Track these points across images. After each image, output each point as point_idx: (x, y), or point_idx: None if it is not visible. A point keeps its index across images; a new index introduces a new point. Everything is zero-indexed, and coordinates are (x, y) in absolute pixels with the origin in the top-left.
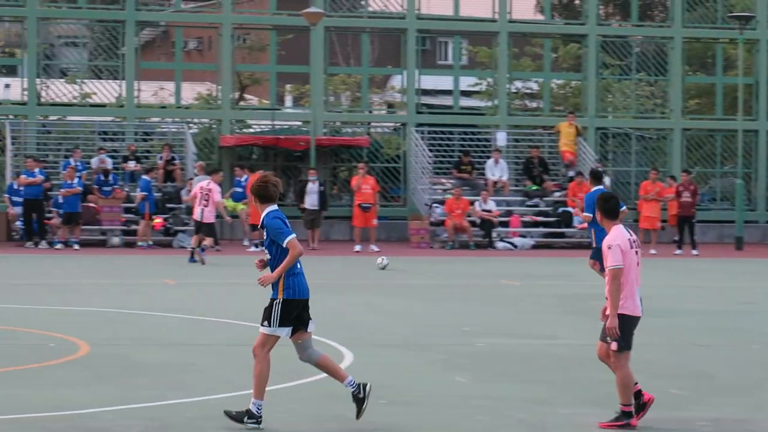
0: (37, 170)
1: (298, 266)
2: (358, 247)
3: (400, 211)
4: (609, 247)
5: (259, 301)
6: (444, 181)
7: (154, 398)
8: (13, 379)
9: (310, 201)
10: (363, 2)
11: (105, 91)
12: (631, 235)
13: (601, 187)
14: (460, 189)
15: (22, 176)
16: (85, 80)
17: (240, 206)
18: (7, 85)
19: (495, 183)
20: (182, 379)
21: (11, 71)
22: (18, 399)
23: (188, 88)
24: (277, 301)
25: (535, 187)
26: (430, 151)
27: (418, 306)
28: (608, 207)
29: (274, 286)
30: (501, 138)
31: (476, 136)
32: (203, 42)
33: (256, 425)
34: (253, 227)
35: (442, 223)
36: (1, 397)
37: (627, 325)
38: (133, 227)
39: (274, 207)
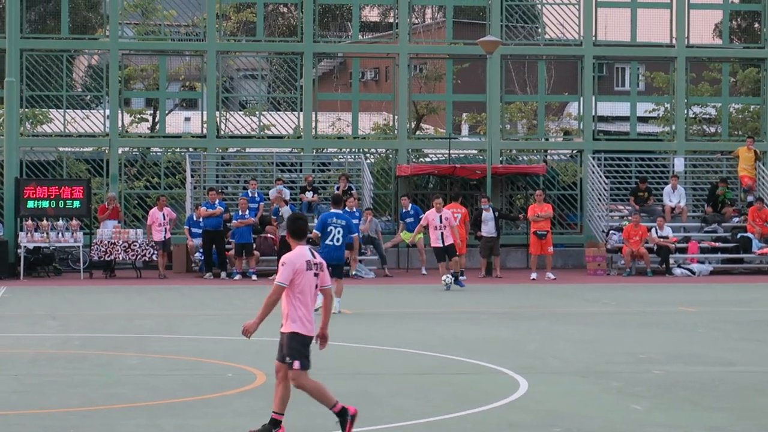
0: (217, 202)
1: None
2: (534, 275)
3: (577, 238)
4: (282, 264)
5: (435, 330)
6: (621, 207)
7: (326, 428)
8: (192, 409)
9: (487, 229)
10: (539, 30)
11: (283, 122)
12: (315, 258)
13: None
14: (639, 216)
15: (202, 208)
16: (264, 112)
17: (418, 236)
18: (187, 119)
19: (673, 209)
20: (358, 408)
21: (191, 105)
22: (197, 428)
23: (365, 118)
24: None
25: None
26: (607, 177)
27: (594, 333)
28: (295, 227)
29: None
30: (679, 164)
31: (653, 162)
32: (380, 72)
33: None
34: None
35: (619, 250)
36: (181, 427)
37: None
38: None
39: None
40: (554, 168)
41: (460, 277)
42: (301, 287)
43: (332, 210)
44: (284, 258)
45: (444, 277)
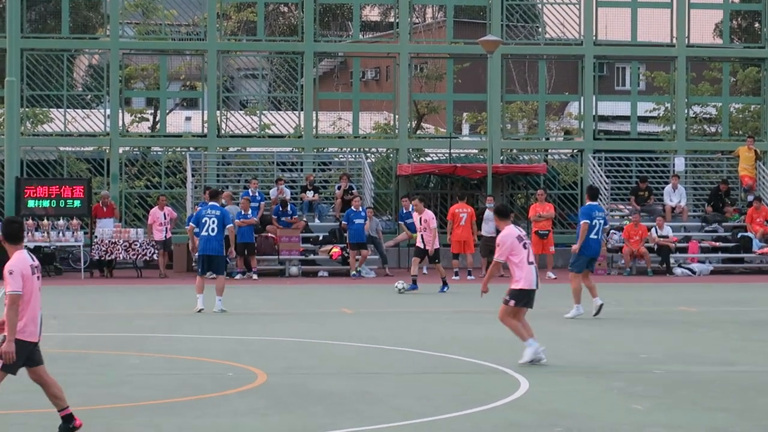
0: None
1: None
2: None
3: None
4: (10, 273)
5: (436, 330)
6: (621, 207)
7: (328, 427)
8: (193, 408)
9: (487, 228)
10: (540, 29)
11: (284, 122)
12: (34, 261)
13: (596, 203)
14: (639, 215)
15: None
16: (264, 112)
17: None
18: (188, 118)
19: (673, 209)
20: (358, 407)
21: (192, 104)
22: (197, 428)
23: (366, 117)
24: None
25: (737, 217)
26: (607, 177)
27: (595, 333)
28: (10, 231)
29: None
30: (679, 163)
31: (654, 162)
32: (380, 72)
33: None
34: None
35: (619, 250)
36: (182, 426)
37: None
38: (311, 257)
39: None
40: (555, 167)
41: (453, 279)
42: (28, 293)
43: (209, 203)
44: (9, 266)
45: (396, 284)
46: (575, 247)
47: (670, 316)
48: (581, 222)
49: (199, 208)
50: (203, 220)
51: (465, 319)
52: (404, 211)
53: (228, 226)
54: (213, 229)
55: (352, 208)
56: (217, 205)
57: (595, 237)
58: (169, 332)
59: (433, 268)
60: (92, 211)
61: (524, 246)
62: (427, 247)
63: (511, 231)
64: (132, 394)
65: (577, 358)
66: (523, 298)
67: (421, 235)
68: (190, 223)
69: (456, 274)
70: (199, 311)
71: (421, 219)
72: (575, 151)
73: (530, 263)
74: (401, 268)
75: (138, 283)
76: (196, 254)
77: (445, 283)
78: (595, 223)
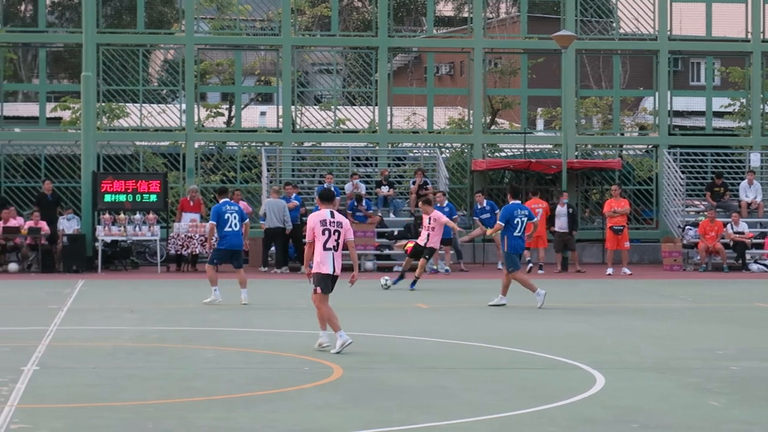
0: (293, 196)
1: None
2: (610, 270)
3: (653, 234)
4: None
5: (510, 325)
6: (697, 203)
7: (402, 422)
8: (269, 403)
9: (560, 224)
10: (614, 24)
11: (358, 117)
12: None
13: (518, 202)
14: (714, 211)
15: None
16: (339, 107)
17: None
18: (263, 113)
19: (749, 205)
20: (432, 402)
21: (267, 99)
22: (273, 422)
23: (440, 112)
24: None
25: None
26: (683, 172)
27: (670, 329)
28: None
29: None
30: (755, 159)
31: (729, 158)
32: (455, 67)
33: None
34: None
35: (695, 246)
36: (258, 420)
37: None
38: (386, 251)
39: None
40: (629, 163)
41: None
42: None
43: (222, 200)
44: None
45: (382, 279)
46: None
47: (745, 312)
48: (497, 223)
49: (214, 206)
50: (225, 217)
51: (539, 314)
52: (479, 207)
53: (245, 222)
54: (235, 224)
55: (436, 203)
56: (233, 201)
57: (519, 234)
58: (244, 326)
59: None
60: (179, 205)
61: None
62: (429, 244)
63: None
64: (208, 388)
65: (652, 354)
66: None
67: (428, 234)
68: (211, 221)
69: (529, 270)
70: (209, 302)
71: (430, 219)
72: (650, 146)
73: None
74: (476, 263)
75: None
76: (209, 248)
77: (401, 277)
78: (517, 222)
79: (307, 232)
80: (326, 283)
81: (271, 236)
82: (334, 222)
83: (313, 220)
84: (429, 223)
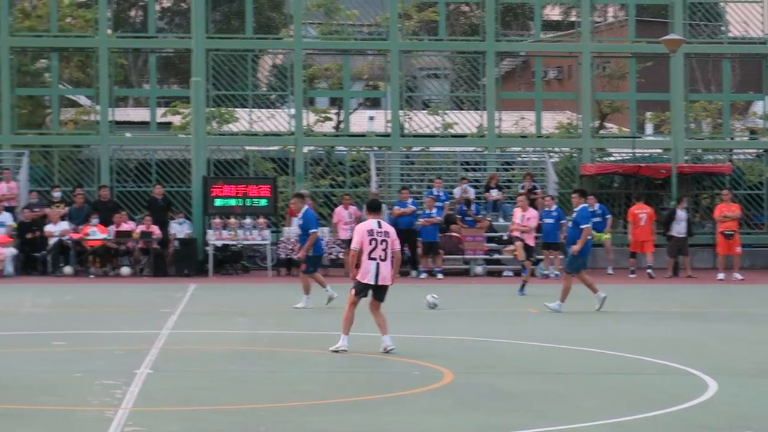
0: (409, 201)
1: None
2: (721, 275)
3: (764, 239)
4: None
5: (621, 330)
6: None
7: (512, 426)
8: (380, 407)
9: (678, 228)
10: (723, 28)
11: (466, 121)
12: None
13: (585, 205)
14: None
15: (396, 207)
16: (447, 111)
17: (605, 236)
18: (371, 117)
19: None
20: (543, 407)
21: (375, 104)
22: (384, 426)
23: (548, 117)
24: None
25: None
26: None
27: None
28: None
29: None
30: None
31: None
32: (563, 71)
33: None
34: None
35: None
36: (369, 424)
37: None
38: (496, 256)
39: None
40: (740, 167)
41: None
42: None
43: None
44: None
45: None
46: (576, 248)
47: None
48: (584, 226)
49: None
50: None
51: (650, 319)
52: (588, 210)
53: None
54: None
55: (545, 207)
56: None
57: (589, 237)
58: (353, 331)
59: (623, 268)
60: (289, 210)
61: None
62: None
63: None
64: (319, 391)
65: (765, 360)
66: None
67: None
68: (314, 229)
69: (632, 272)
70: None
71: (523, 216)
72: (761, 150)
73: None
74: (586, 269)
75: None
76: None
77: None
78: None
79: (353, 241)
80: (364, 289)
81: None
82: (381, 232)
83: (360, 230)
84: (520, 221)
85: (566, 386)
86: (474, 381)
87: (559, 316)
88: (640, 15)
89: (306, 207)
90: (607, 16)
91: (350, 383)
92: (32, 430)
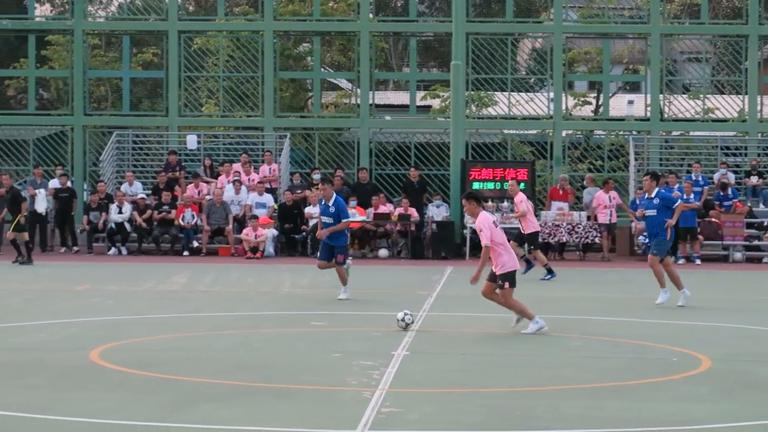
0: (676, 186)
1: None
2: None
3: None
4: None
5: None
6: None
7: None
8: (636, 392)
9: None
10: None
11: (727, 105)
12: None
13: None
14: None
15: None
16: (708, 96)
17: None
18: (630, 102)
19: None
20: None
21: (634, 87)
22: (640, 412)
23: None
24: None
25: None
26: None
27: None
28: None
29: None
30: None
31: None
32: None
33: None
34: None
35: None
36: (625, 410)
37: None
38: (755, 242)
39: None
40: None
41: None
42: None
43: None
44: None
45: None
46: (671, 222)
47: None
48: (680, 202)
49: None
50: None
51: None
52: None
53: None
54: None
55: None
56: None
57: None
58: (611, 315)
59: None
60: (548, 194)
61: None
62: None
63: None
64: (575, 376)
65: None
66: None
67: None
68: (348, 219)
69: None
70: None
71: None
72: None
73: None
74: None
75: (580, 265)
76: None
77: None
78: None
79: (483, 236)
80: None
81: None
82: (497, 221)
83: (487, 222)
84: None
85: None
86: (732, 368)
87: None
88: None
89: (335, 195)
90: None
91: (607, 368)
92: (295, 408)
